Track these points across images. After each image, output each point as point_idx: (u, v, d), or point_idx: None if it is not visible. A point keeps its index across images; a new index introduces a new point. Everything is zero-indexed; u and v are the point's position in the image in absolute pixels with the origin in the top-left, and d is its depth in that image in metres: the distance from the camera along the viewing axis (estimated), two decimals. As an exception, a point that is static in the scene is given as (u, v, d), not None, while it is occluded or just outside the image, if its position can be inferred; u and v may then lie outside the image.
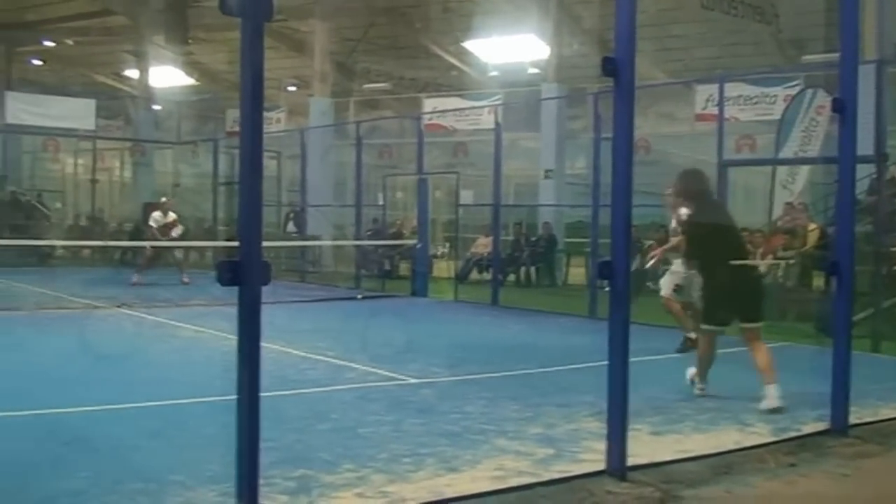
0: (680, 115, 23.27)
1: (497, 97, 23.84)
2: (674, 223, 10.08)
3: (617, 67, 4.96)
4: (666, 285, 10.15)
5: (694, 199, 7.51)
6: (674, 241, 10.04)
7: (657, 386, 7.62)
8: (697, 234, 7.47)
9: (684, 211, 9.86)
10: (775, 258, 13.30)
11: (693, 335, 9.87)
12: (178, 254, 18.72)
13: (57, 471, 5.05)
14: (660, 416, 6.71)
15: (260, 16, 3.67)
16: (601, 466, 5.15)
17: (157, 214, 18.60)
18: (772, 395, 6.86)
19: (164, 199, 19.38)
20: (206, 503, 4.57)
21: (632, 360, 5.12)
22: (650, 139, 21.75)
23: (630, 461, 5.12)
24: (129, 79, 33.03)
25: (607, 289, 5.24)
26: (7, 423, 6.28)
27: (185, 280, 17.89)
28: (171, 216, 18.48)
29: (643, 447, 5.60)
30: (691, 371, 7.51)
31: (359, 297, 16.96)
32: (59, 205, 29.91)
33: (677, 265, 10.16)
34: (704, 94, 20.50)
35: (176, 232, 18.34)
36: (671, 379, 7.95)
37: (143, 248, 18.55)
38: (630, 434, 5.17)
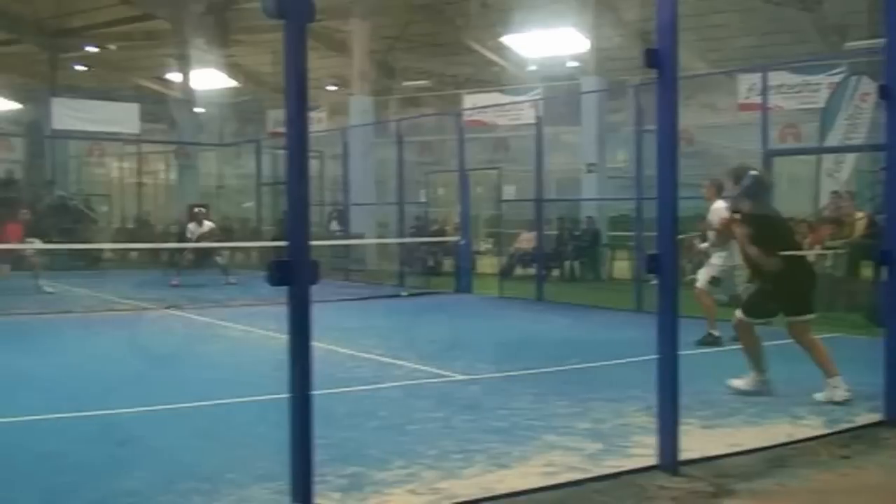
0: (722, 105, 23.06)
1: (537, 91, 23.77)
2: (715, 219, 10.02)
3: (659, 59, 4.92)
4: (702, 277, 10.19)
5: (749, 194, 7.41)
6: (711, 234, 9.99)
7: (706, 379, 7.54)
8: (758, 227, 7.37)
9: (721, 204, 9.83)
10: (823, 248, 13.15)
11: (717, 332, 9.86)
12: (220, 259, 18.82)
13: (112, 471, 5.13)
14: (710, 409, 6.66)
15: (302, 17, 3.68)
16: (652, 461, 5.13)
17: (192, 226, 18.82)
18: (839, 386, 6.81)
19: (197, 210, 19.52)
20: (259, 501, 4.61)
21: (680, 353, 5.09)
22: (693, 130, 21.56)
23: (681, 455, 5.09)
24: (171, 82, 33.38)
25: (653, 282, 5.22)
26: (62, 424, 6.40)
27: (232, 281, 18.04)
28: (207, 225, 18.65)
29: (694, 441, 5.56)
30: (736, 382, 7.30)
31: (403, 294, 17.03)
32: (105, 208, 30.33)
33: (716, 258, 10.13)
34: (746, 83, 20.30)
35: (213, 240, 18.45)
36: (720, 372, 7.88)
37: (185, 250, 18.71)
38: (681, 428, 5.14)
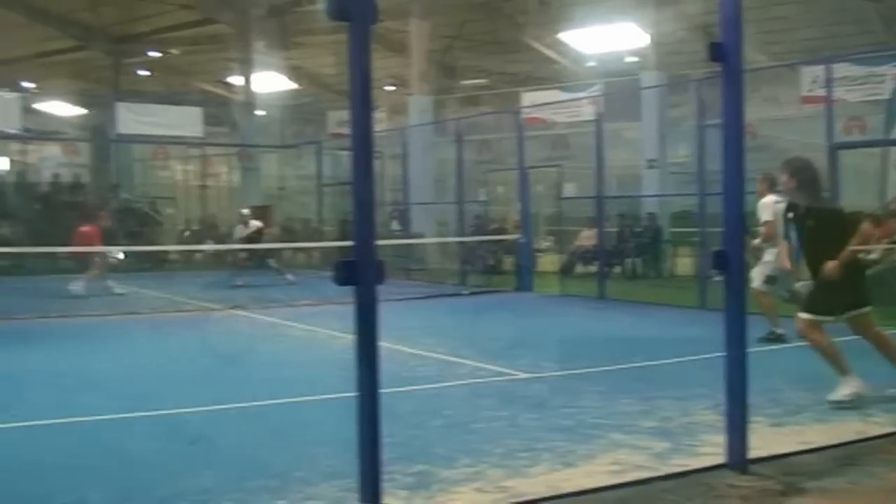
0: (784, 99, 22.69)
1: (596, 88, 23.61)
2: (763, 214, 9.91)
3: (724, 52, 4.87)
4: (757, 276, 9.96)
5: (807, 186, 7.25)
6: (762, 230, 9.87)
7: (774, 377, 7.44)
8: (820, 220, 7.21)
9: (771, 198, 9.69)
10: (891, 243, 12.87)
11: (780, 330, 9.67)
12: (272, 262, 19.04)
13: (183, 468, 5.23)
14: (778, 407, 6.57)
15: (366, 19, 3.70)
16: (720, 460, 5.08)
17: (239, 228, 19.05)
18: None
19: (244, 211, 19.75)
20: (327, 499, 4.66)
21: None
22: (756, 124, 21.24)
23: (750, 454, 5.04)
24: (232, 85, 33.81)
25: (717, 279, 5.17)
26: (134, 423, 6.53)
27: (290, 278, 18.20)
28: (253, 225, 18.86)
29: (763, 439, 5.49)
30: (834, 396, 6.71)
31: (464, 293, 17.06)
32: (170, 211, 30.83)
33: (769, 255, 9.96)
34: (809, 75, 19.94)
35: (264, 240, 18.64)
36: (787, 369, 7.77)
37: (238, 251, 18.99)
38: (749, 426, 5.08)
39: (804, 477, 4.95)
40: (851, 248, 6.80)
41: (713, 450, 5.30)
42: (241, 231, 18.99)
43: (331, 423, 6.27)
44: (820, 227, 7.04)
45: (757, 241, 10.02)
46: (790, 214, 7.39)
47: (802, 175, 7.13)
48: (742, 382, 4.97)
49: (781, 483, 4.84)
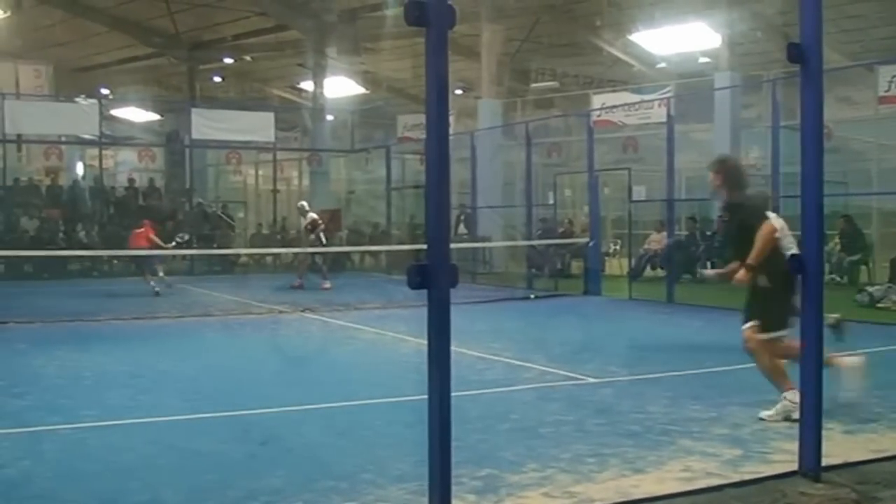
0: (860, 99, 22.19)
1: (667, 89, 23.36)
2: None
3: (804, 53, 4.77)
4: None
5: (729, 183, 6.91)
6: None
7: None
8: (730, 221, 6.97)
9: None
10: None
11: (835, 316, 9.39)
12: (318, 259, 19.20)
13: (255, 469, 5.30)
14: (851, 414, 6.43)
15: (444, 24, 3.71)
16: (793, 467, 5.00)
17: (301, 221, 19.34)
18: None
19: (301, 203, 20.04)
20: (396, 502, 4.69)
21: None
22: (831, 125, 20.81)
23: (823, 461, 4.95)
24: (303, 90, 34.23)
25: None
26: (205, 423, 6.66)
27: (327, 286, 18.22)
28: (310, 217, 19.05)
29: (836, 447, 5.40)
30: (768, 413, 6.45)
31: (532, 296, 16.98)
32: (241, 214, 31.31)
33: None
34: (887, 75, 19.47)
35: (314, 235, 18.85)
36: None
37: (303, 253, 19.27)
38: (822, 433, 4.98)
39: (879, 486, 4.84)
40: (757, 254, 6.43)
41: (785, 457, 5.22)
42: (302, 223, 19.27)
43: (398, 425, 6.32)
44: (736, 226, 6.85)
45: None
46: (719, 214, 7.17)
47: (726, 173, 6.95)
48: (817, 388, 4.88)
49: (855, 492, 4.74)
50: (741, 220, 6.75)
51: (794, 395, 6.12)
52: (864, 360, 6.69)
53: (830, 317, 9.44)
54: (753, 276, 6.52)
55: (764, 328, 6.54)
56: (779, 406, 6.38)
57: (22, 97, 25.55)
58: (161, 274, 17.64)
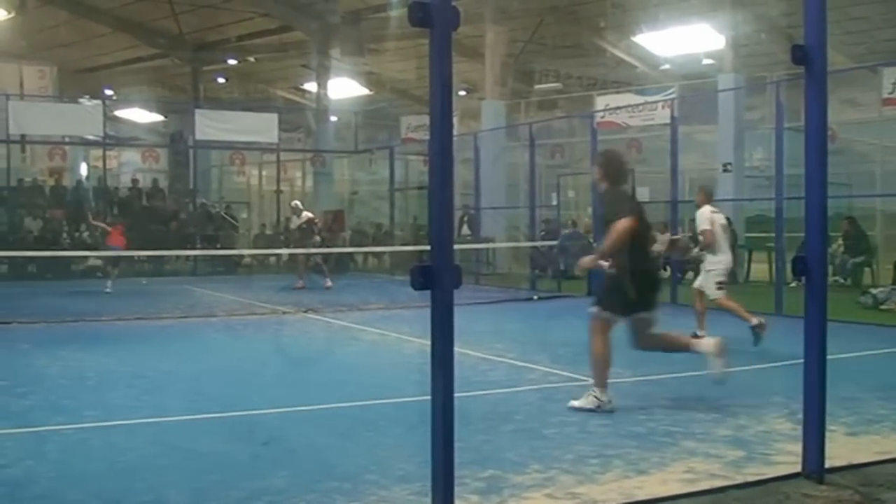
0: (864, 101, 22.18)
1: (671, 91, 23.35)
2: (701, 223, 10.51)
3: (808, 55, 4.77)
4: (709, 287, 10.52)
5: (609, 177, 7.18)
6: (702, 238, 10.51)
7: (850, 385, 7.30)
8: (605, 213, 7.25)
9: (707, 209, 10.45)
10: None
11: (756, 320, 10.12)
12: (317, 258, 19.26)
13: (258, 470, 5.30)
14: (854, 416, 6.45)
15: (448, 25, 3.71)
16: (796, 469, 5.00)
17: (294, 218, 19.43)
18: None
19: (295, 203, 20.07)
20: (399, 502, 4.68)
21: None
22: (835, 127, 20.79)
23: (827, 463, 4.94)
24: (306, 92, 34.25)
25: (792, 284, 5.06)
26: (210, 424, 6.66)
27: (328, 284, 18.44)
28: (305, 216, 19.12)
29: (839, 449, 5.40)
30: (576, 403, 6.90)
31: (535, 298, 16.97)
32: (245, 215, 31.34)
33: (710, 263, 10.56)
34: (891, 77, 19.43)
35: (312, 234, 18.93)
36: (864, 377, 7.58)
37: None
38: (825, 435, 4.98)
39: (882, 488, 4.83)
40: (609, 245, 6.80)
41: (788, 459, 5.22)
42: (294, 222, 19.26)
43: (401, 426, 6.33)
44: (601, 217, 7.23)
45: (696, 250, 10.97)
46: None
47: (606, 167, 7.18)
48: (820, 390, 4.87)
49: (859, 493, 4.74)
50: (605, 214, 7.17)
51: (601, 394, 6.81)
52: (722, 340, 7.05)
53: (755, 319, 9.84)
54: (612, 265, 6.91)
55: (599, 305, 7.04)
56: (590, 398, 6.84)
57: (26, 98, 25.60)
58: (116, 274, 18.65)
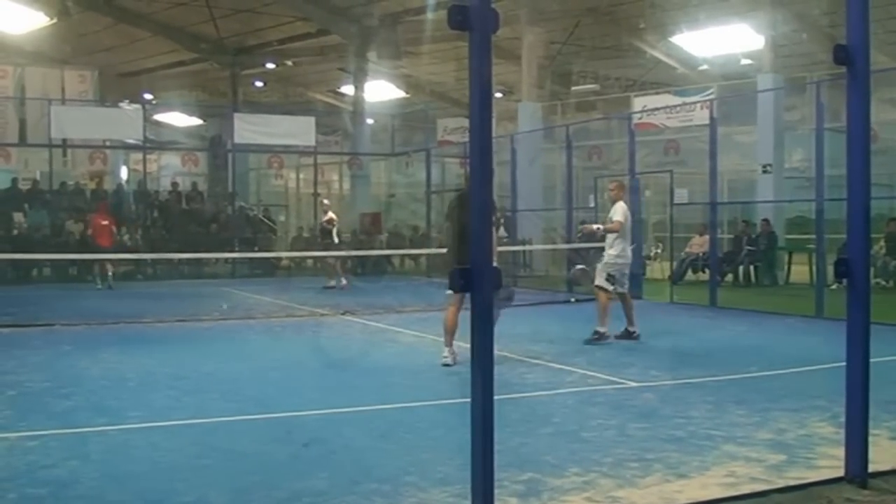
0: (905, 101, 21.88)
1: (710, 91, 23.17)
2: (615, 215, 11.11)
3: (850, 55, 4.72)
4: (600, 276, 11.12)
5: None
6: (611, 226, 11.16)
7: (894, 388, 7.18)
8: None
9: (622, 204, 11.17)
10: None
11: (605, 331, 10.72)
12: (333, 261, 19.54)
13: (298, 471, 5.33)
14: (899, 420, 6.35)
15: (488, 28, 3.71)
16: (839, 473, 4.95)
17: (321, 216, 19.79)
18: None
19: (324, 201, 20.62)
20: (439, 505, 4.69)
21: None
22: (876, 127, 20.51)
23: (870, 468, 4.88)
24: (344, 95, 34.40)
25: (833, 287, 5.01)
26: (249, 425, 6.72)
27: (339, 284, 18.76)
28: (329, 216, 19.47)
29: (883, 453, 5.34)
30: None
31: (572, 300, 16.91)
32: (282, 218, 31.52)
33: (609, 255, 11.12)
34: (933, 76, 19.17)
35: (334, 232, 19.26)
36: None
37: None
38: (868, 439, 4.93)
39: (928, 493, 4.76)
40: None
41: (831, 463, 5.16)
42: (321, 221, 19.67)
43: (440, 428, 6.34)
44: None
45: (597, 227, 12.27)
46: None
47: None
48: (863, 393, 4.82)
49: (904, 499, 4.67)
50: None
51: (449, 353, 9.01)
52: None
53: (604, 329, 10.71)
54: None
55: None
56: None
57: (67, 102, 25.94)
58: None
